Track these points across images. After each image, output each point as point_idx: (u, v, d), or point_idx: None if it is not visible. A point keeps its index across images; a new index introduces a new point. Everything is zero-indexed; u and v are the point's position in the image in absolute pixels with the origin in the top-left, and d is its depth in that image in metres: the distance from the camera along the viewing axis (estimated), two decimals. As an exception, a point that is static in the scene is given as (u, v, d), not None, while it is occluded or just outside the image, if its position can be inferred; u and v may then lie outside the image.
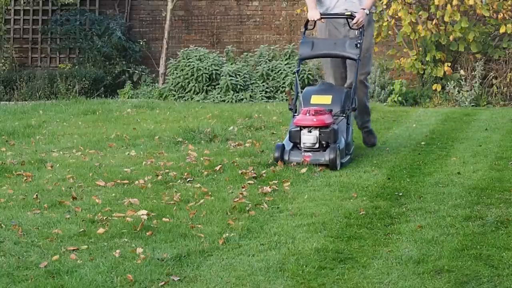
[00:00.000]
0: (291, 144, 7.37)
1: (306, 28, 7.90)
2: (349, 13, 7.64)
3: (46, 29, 16.18)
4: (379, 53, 14.40)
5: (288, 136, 7.42)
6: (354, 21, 7.61)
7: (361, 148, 8.75)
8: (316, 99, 7.58)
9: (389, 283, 4.37)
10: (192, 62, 14.28)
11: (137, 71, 15.57)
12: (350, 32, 7.81)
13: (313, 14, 7.69)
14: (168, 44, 15.49)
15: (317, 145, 7.27)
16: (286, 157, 7.24)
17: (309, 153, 7.24)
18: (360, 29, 7.62)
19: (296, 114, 7.49)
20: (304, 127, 7.29)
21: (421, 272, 4.52)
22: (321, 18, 7.70)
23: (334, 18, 7.83)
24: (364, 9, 7.67)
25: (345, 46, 7.61)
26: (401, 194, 6.45)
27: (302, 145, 7.32)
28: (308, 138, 7.26)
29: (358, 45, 7.55)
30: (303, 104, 7.52)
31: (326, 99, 7.56)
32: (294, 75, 7.67)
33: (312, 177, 7.13)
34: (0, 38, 15.97)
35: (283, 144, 7.34)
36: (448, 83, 13.25)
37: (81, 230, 5.32)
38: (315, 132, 7.24)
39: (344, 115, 7.56)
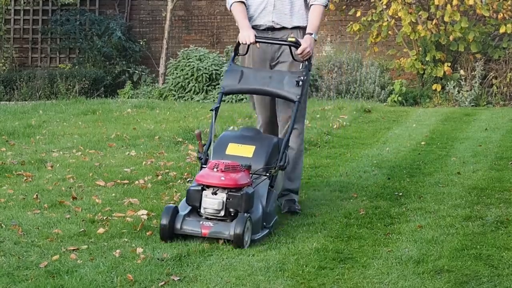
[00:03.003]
0: (189, 208, 5.18)
1: (235, 53, 5.84)
2: (293, 39, 5.62)
3: (46, 29, 16.18)
4: (379, 53, 14.41)
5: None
6: (299, 50, 5.61)
7: (360, 148, 8.75)
8: (233, 149, 5.49)
9: (389, 283, 4.37)
10: (192, 62, 14.28)
11: (137, 71, 15.57)
12: (282, 55, 5.86)
13: (246, 35, 5.67)
14: (168, 44, 15.49)
15: (222, 213, 5.10)
16: (178, 226, 5.10)
17: (210, 223, 5.10)
18: (306, 62, 5.69)
19: (205, 166, 5.38)
20: (208, 186, 5.14)
21: (421, 272, 4.52)
22: (257, 41, 5.70)
23: (273, 40, 5.82)
24: (311, 34, 5.71)
25: (283, 82, 5.59)
26: (401, 194, 6.45)
27: (202, 211, 5.13)
28: (212, 202, 5.10)
29: (300, 83, 5.57)
30: (214, 154, 5.45)
31: (247, 151, 5.47)
32: (211, 112, 5.78)
33: (312, 177, 7.13)
34: (0, 38, 15.98)
35: (176, 207, 5.14)
36: (448, 83, 13.26)
37: (81, 230, 5.32)
38: (222, 195, 5.10)
39: (267, 174, 5.39)
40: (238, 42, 5.74)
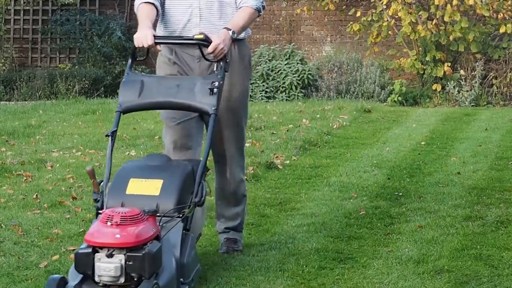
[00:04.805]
0: (80, 277, 3.87)
1: (133, 60, 4.71)
2: (201, 36, 4.48)
3: (46, 29, 16.18)
4: (379, 53, 14.41)
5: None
6: (211, 48, 4.45)
7: (360, 148, 8.75)
8: (135, 186, 4.23)
9: (389, 283, 4.37)
10: (192, 62, 14.27)
11: (137, 71, 15.57)
12: (209, 73, 4.70)
13: (143, 36, 4.49)
14: (168, 44, 15.48)
15: (122, 279, 3.83)
16: None
17: None
18: (221, 62, 4.52)
19: (101, 212, 4.07)
20: (101, 247, 3.84)
21: (421, 272, 4.52)
22: (157, 43, 4.56)
23: (182, 44, 4.74)
24: (229, 29, 4.57)
25: (194, 91, 4.42)
26: (401, 194, 6.45)
27: (97, 279, 3.85)
28: (107, 267, 3.82)
29: (215, 90, 4.39)
30: (112, 196, 4.20)
31: (153, 187, 4.19)
32: (108, 138, 4.57)
33: (312, 177, 7.14)
34: (0, 38, 15.97)
35: (62, 278, 3.85)
36: (448, 83, 13.26)
37: (81, 230, 5.32)
38: (119, 257, 3.81)
39: (180, 216, 4.13)
40: (134, 46, 4.57)
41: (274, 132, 9.62)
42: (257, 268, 4.59)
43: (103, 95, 14.61)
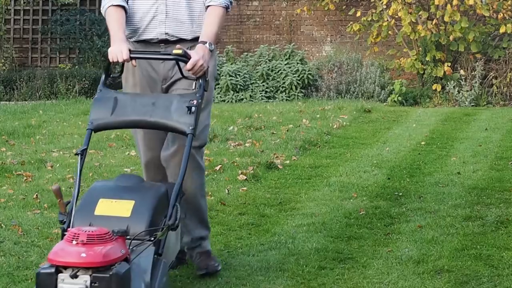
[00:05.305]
0: None
1: (107, 75, 4.44)
2: (180, 51, 4.15)
3: (46, 29, 16.18)
4: (379, 53, 14.41)
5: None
6: (189, 65, 4.14)
7: (360, 148, 8.75)
8: (105, 206, 3.92)
9: (389, 283, 4.37)
10: (192, 62, 14.25)
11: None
12: (175, 73, 4.46)
13: (117, 50, 4.22)
14: (168, 44, 15.48)
15: None
16: None
17: None
18: (200, 80, 4.21)
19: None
20: (65, 267, 3.51)
21: (421, 272, 4.52)
22: (132, 58, 4.26)
23: (158, 59, 4.46)
24: (204, 42, 4.33)
25: (171, 109, 4.11)
26: (401, 194, 6.45)
27: None
28: None
29: (193, 109, 4.08)
30: (79, 216, 3.88)
31: (123, 208, 3.90)
32: (77, 157, 4.12)
33: (312, 177, 7.13)
34: (0, 38, 15.97)
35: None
36: (448, 83, 13.25)
37: (81, 230, 5.31)
38: (84, 278, 3.51)
39: (152, 239, 3.79)
40: (108, 61, 4.32)
41: (274, 132, 9.62)
42: (257, 268, 4.59)
43: (103, 95, 14.59)
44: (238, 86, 13.93)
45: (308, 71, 14.03)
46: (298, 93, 13.89)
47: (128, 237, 3.68)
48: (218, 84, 13.83)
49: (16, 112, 11.59)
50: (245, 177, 6.95)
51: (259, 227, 5.50)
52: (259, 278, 4.43)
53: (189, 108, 4.07)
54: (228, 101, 13.64)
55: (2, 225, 5.41)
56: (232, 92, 13.86)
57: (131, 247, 3.69)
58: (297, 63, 14.19)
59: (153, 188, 4.05)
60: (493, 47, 13.66)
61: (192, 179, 4.46)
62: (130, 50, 4.20)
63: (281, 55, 14.52)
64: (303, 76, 13.95)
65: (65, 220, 3.88)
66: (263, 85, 14.04)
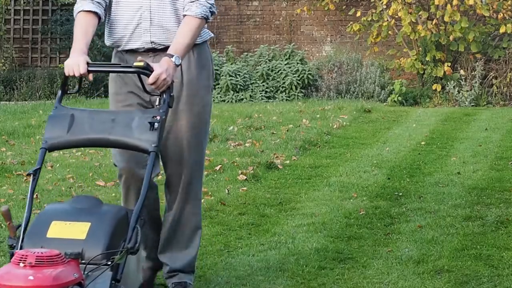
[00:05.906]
0: None
1: (63, 91, 3.96)
2: (141, 63, 3.76)
3: (46, 29, 16.18)
4: (379, 53, 14.41)
5: None
6: (151, 79, 3.75)
7: (360, 148, 8.75)
8: (58, 229, 3.58)
9: (389, 283, 4.37)
10: (192, 62, 14.25)
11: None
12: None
13: (74, 63, 3.82)
14: (168, 44, 15.47)
15: None
16: None
17: None
18: (164, 95, 3.83)
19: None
20: None
21: (421, 272, 4.51)
22: (90, 71, 3.84)
23: (114, 73, 4.17)
24: (171, 55, 3.85)
25: (131, 126, 3.76)
26: (401, 194, 6.45)
27: None
28: None
29: (156, 125, 3.74)
30: (30, 239, 3.55)
31: (78, 230, 3.57)
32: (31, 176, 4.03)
33: (312, 177, 7.13)
34: (0, 38, 15.97)
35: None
36: (448, 83, 13.26)
37: (81, 230, 5.31)
38: None
39: (109, 263, 3.44)
40: (65, 75, 3.90)
41: (274, 132, 9.62)
42: (257, 268, 4.59)
43: (103, 95, 14.60)
44: (238, 86, 13.93)
45: (308, 71, 14.03)
46: (298, 93, 13.89)
47: (83, 260, 3.39)
48: (218, 84, 13.84)
49: (16, 112, 11.60)
50: (245, 177, 6.95)
51: (259, 227, 5.50)
52: (259, 278, 4.43)
53: (152, 124, 3.72)
54: (228, 101, 13.65)
55: (2, 225, 5.41)
56: (232, 92, 13.87)
57: (86, 272, 3.37)
58: (297, 63, 14.19)
59: (111, 210, 3.70)
60: (493, 47, 13.66)
61: (186, 212, 4.17)
62: (88, 63, 3.81)
63: (281, 55, 14.52)
64: (303, 76, 13.95)
65: (14, 244, 3.54)
66: (263, 85, 14.05)
